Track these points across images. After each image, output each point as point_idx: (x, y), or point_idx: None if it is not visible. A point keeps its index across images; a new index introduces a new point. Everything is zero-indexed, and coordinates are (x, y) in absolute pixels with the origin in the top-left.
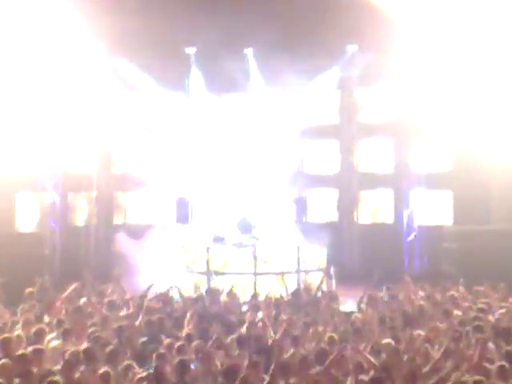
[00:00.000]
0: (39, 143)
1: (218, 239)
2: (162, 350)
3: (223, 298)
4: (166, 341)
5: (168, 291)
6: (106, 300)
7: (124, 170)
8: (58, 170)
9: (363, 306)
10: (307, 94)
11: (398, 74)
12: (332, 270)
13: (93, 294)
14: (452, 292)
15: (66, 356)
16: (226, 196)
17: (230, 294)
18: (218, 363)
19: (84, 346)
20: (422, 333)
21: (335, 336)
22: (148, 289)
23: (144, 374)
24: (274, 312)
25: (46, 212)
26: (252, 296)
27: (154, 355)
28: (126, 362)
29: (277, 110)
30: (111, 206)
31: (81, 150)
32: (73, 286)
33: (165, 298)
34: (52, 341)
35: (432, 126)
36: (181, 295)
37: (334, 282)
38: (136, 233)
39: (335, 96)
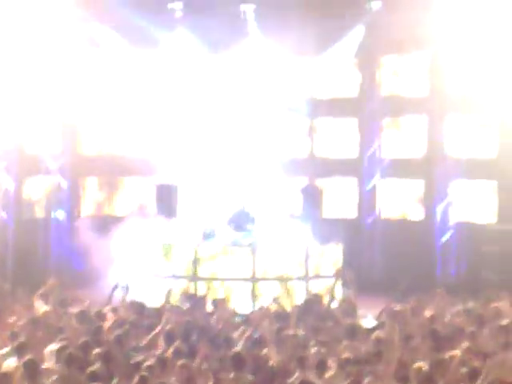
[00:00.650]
0: None
1: (209, 236)
2: (143, 372)
3: (212, 308)
4: (141, 359)
5: (143, 299)
6: (76, 311)
7: (93, 151)
8: (11, 149)
9: (383, 320)
10: (320, 62)
11: (432, 38)
12: (349, 275)
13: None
14: (495, 305)
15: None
16: (219, 183)
17: (222, 303)
18: None
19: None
20: (459, 353)
21: (352, 357)
22: (112, 291)
23: None
24: (276, 327)
25: None
26: (249, 307)
27: (137, 377)
28: None
29: (282, 80)
30: (77, 195)
31: (41, 125)
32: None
33: (138, 308)
34: (6, 357)
35: (473, 103)
36: (166, 302)
37: (351, 290)
38: (106, 227)
39: (354, 65)
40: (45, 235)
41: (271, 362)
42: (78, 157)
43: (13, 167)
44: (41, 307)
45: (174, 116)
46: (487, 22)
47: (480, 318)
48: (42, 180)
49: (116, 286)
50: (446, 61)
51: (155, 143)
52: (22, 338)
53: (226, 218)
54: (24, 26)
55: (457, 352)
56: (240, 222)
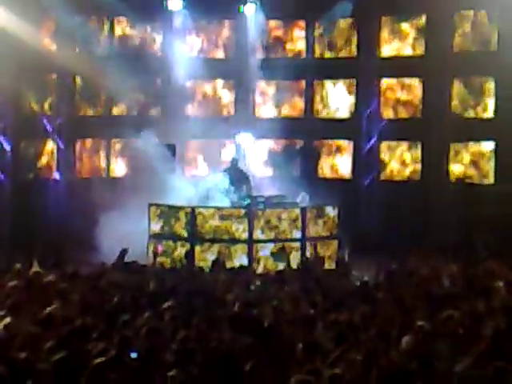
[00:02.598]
0: None
1: (206, 196)
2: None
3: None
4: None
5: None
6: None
7: (89, 112)
8: (8, 110)
9: (379, 282)
10: (317, 23)
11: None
12: (345, 237)
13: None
14: (490, 266)
15: None
16: (215, 143)
17: (218, 264)
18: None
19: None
20: (456, 314)
21: (347, 318)
22: (121, 255)
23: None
24: (272, 288)
25: None
26: (246, 268)
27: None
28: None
29: (278, 42)
30: (73, 156)
31: (37, 85)
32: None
33: (134, 268)
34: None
35: (471, 63)
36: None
37: (347, 251)
38: (102, 188)
39: (350, 25)
40: (42, 196)
41: (266, 323)
42: (74, 118)
43: (10, 128)
44: (36, 268)
45: (170, 78)
46: None
47: (474, 280)
48: (38, 141)
49: (124, 250)
50: (444, 21)
51: (155, 104)
52: (14, 299)
53: (222, 178)
54: None
55: (453, 312)
56: (236, 182)
